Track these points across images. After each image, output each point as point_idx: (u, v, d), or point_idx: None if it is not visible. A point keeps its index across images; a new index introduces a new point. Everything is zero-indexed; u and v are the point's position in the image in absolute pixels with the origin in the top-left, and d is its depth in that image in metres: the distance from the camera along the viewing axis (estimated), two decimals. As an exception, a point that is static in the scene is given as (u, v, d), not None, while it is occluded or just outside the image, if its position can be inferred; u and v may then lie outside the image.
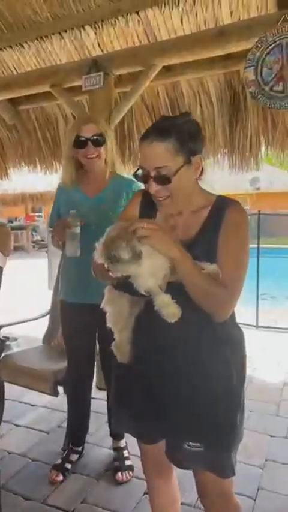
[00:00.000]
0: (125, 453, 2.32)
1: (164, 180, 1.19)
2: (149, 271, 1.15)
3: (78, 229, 1.94)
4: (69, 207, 2.07)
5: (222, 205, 1.26)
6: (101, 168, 2.10)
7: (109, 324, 1.38)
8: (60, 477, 2.19)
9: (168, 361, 1.26)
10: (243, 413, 1.32)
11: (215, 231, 1.22)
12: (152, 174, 1.19)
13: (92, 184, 2.14)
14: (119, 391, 1.42)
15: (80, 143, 2.03)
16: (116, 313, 1.36)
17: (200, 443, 1.25)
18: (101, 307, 1.40)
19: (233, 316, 1.32)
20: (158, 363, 1.28)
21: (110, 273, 1.17)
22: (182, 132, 1.19)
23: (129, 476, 2.21)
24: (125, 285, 1.19)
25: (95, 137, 2.02)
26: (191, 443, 1.26)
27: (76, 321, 2.22)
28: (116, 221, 2.01)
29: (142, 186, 2.03)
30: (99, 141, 2.03)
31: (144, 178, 1.23)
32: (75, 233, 1.94)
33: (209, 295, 1.18)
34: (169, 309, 1.15)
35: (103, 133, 2.04)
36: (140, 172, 1.24)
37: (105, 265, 1.15)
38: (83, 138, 2.02)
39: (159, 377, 1.28)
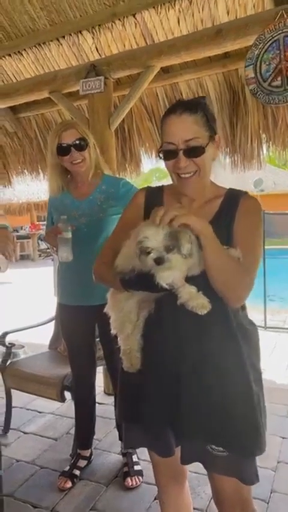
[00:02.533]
0: (134, 458, 2.28)
1: (195, 151, 1.17)
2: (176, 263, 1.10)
3: (69, 235, 1.94)
4: (60, 212, 2.06)
5: (235, 195, 1.27)
6: (87, 171, 2.09)
7: (114, 331, 1.31)
8: (69, 484, 2.16)
9: (184, 362, 1.20)
10: (265, 415, 1.25)
11: (230, 219, 1.22)
12: (182, 147, 1.17)
13: (80, 187, 2.14)
14: (128, 402, 1.33)
15: (63, 150, 2.00)
16: (124, 317, 1.27)
17: (223, 447, 1.20)
18: (104, 311, 1.35)
19: (245, 311, 1.29)
20: (172, 364, 1.22)
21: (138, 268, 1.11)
22: (206, 110, 1.22)
23: (139, 481, 2.17)
24: (141, 281, 1.14)
25: (77, 142, 2.00)
26: (213, 446, 1.21)
27: (72, 323, 2.23)
28: (106, 221, 2.03)
29: (129, 181, 2.02)
30: (82, 146, 2.01)
31: (172, 154, 1.19)
32: (66, 238, 1.94)
33: (233, 275, 1.15)
34: (198, 300, 1.11)
35: (84, 137, 2.03)
36: (165, 148, 1.20)
37: (147, 259, 1.07)
38: (65, 145, 2.00)
39: (174, 379, 1.21)
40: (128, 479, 2.17)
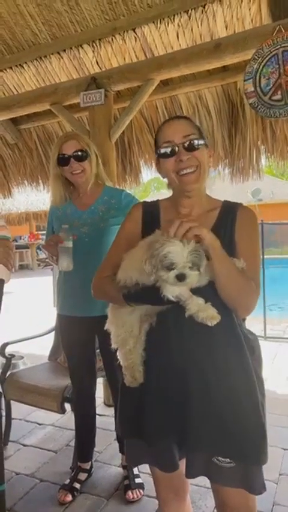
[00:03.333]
0: (135, 470, 2.26)
1: (195, 145, 1.24)
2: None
3: (70, 244, 1.95)
4: (62, 222, 2.08)
5: (232, 206, 1.31)
6: (88, 182, 2.11)
7: (115, 345, 1.30)
8: (69, 497, 2.14)
9: (190, 374, 1.20)
10: (266, 423, 1.24)
11: (229, 229, 1.25)
12: (181, 141, 1.24)
13: (82, 197, 2.16)
14: (131, 417, 1.31)
15: (63, 160, 2.04)
16: (126, 332, 1.26)
17: (230, 458, 1.19)
18: (105, 328, 1.34)
19: (244, 322, 1.30)
20: (176, 376, 1.21)
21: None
22: (196, 124, 1.32)
23: (140, 494, 2.15)
24: (146, 294, 1.15)
25: (77, 153, 2.04)
26: (220, 458, 1.20)
27: (73, 334, 2.23)
28: (108, 231, 2.05)
29: (130, 192, 2.06)
30: (81, 157, 2.04)
31: (171, 150, 1.25)
32: (67, 247, 1.96)
33: (241, 286, 1.17)
34: (208, 312, 1.10)
35: (85, 148, 2.05)
36: (165, 147, 1.26)
37: (169, 273, 1.07)
38: (65, 155, 2.03)
39: (180, 391, 1.20)
40: (129, 492, 2.15)
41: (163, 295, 1.11)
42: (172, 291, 1.10)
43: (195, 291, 1.14)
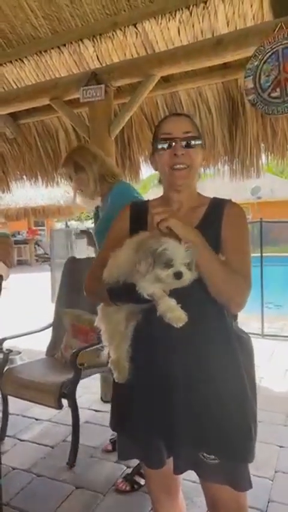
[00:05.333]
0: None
1: (192, 142, 1.26)
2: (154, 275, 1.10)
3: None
4: None
5: (219, 203, 1.32)
6: (90, 196, 2.28)
7: (105, 342, 1.33)
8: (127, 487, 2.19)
9: (174, 371, 1.20)
10: (257, 422, 1.26)
11: (216, 225, 1.25)
12: (180, 136, 1.26)
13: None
14: (119, 413, 1.34)
15: None
16: (113, 329, 1.29)
17: (215, 455, 1.20)
18: (94, 325, 1.37)
19: (236, 321, 1.30)
20: (162, 374, 1.21)
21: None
22: (196, 124, 1.35)
23: (127, 488, 2.16)
24: (126, 292, 1.16)
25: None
26: (205, 454, 1.21)
27: None
28: (98, 230, 2.15)
29: (122, 192, 2.06)
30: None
31: (169, 143, 1.27)
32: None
33: (229, 281, 1.18)
34: (175, 312, 1.10)
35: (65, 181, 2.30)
36: (163, 139, 1.28)
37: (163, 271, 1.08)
38: None
39: (165, 389, 1.21)
40: (121, 482, 2.19)
41: (139, 293, 1.11)
42: (146, 289, 1.11)
43: (183, 290, 1.13)
